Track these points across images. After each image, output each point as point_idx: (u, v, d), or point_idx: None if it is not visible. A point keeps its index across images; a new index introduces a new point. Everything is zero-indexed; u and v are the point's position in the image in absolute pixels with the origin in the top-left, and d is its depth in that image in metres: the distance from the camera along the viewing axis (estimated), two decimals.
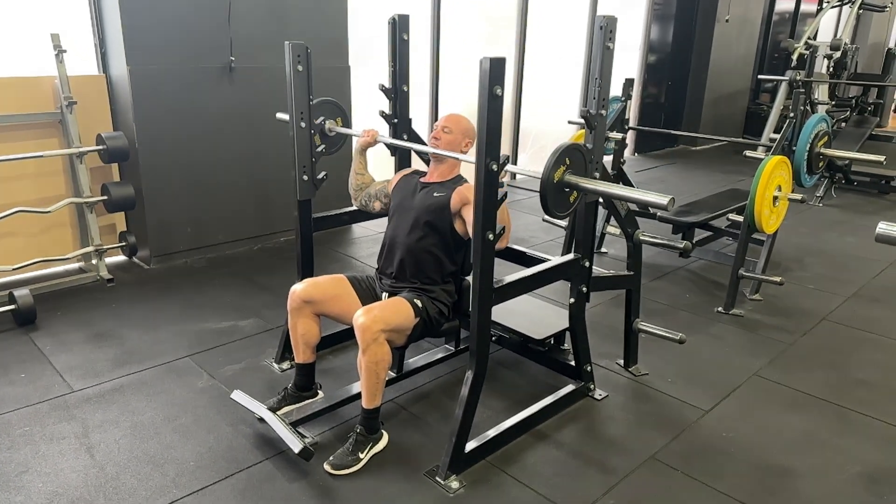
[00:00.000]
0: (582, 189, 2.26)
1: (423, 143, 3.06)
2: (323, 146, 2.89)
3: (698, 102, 9.12)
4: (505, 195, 2.16)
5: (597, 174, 2.40)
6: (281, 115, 3.00)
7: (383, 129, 3.14)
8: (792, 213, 5.55)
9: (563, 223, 4.48)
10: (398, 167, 3.14)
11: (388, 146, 3.16)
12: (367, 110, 2.97)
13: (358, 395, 2.49)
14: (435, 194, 2.58)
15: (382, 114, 3.12)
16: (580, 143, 2.32)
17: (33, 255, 3.82)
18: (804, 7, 10.64)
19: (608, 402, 2.86)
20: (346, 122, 2.98)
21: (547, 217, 4.72)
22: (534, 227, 5.26)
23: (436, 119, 5.05)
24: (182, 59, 4.07)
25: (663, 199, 2.00)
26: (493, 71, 1.98)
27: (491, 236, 2.15)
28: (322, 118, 2.84)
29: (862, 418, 2.80)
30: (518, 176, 7.15)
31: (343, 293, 2.59)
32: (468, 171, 2.32)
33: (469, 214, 2.37)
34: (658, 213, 4.47)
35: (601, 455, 2.50)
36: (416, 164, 3.12)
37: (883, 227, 1.50)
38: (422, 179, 2.70)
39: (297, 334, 2.59)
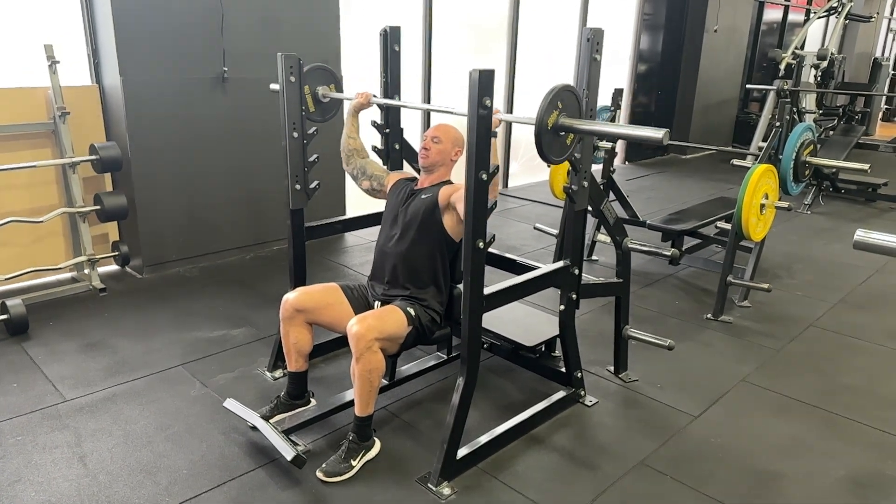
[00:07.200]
0: (577, 131, 2.20)
1: (415, 153, 3.09)
2: (315, 110, 2.88)
3: (688, 111, 9.20)
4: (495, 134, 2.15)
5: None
6: (275, 86, 2.96)
7: (375, 138, 3.17)
8: (780, 221, 5.62)
9: (554, 231, 4.52)
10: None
11: (379, 149, 3.20)
12: (363, 117, 2.98)
13: (350, 403, 2.51)
14: (422, 196, 2.63)
15: (374, 124, 3.15)
16: (571, 85, 2.24)
17: (25, 264, 3.82)
18: (792, 17, 10.78)
19: (598, 408, 2.89)
20: (339, 89, 2.98)
21: (538, 225, 4.79)
22: (525, 235, 5.29)
23: (428, 128, 5.08)
24: (175, 69, 4.10)
25: (658, 133, 1.98)
26: (482, 82, 2.02)
27: (481, 244, 2.18)
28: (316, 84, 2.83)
29: (848, 423, 2.84)
30: (510, 184, 7.20)
31: (335, 302, 2.61)
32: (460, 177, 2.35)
33: (459, 197, 2.36)
34: (648, 222, 4.51)
35: (591, 460, 2.53)
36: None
37: (860, 235, 1.54)
38: (414, 187, 2.74)
39: (290, 343, 2.61)
